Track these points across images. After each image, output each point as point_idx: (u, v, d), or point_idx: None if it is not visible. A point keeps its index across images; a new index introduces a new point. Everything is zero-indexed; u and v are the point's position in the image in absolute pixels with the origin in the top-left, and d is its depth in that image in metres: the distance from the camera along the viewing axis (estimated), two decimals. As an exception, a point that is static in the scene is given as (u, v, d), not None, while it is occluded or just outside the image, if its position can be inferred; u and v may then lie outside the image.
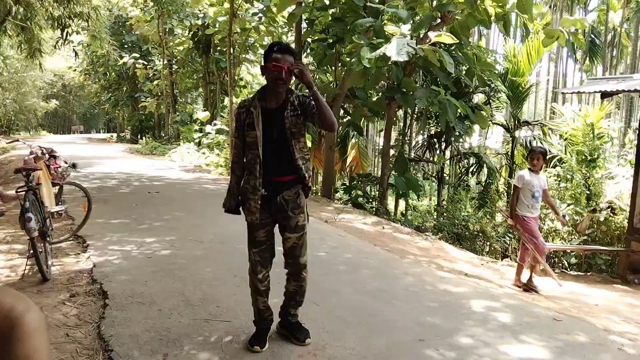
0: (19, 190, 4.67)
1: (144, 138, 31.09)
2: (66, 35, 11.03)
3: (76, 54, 17.24)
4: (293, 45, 14.83)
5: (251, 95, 3.14)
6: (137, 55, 28.49)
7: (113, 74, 32.04)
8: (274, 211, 3.09)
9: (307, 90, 2.92)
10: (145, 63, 28.59)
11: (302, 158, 3.06)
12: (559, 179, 10.62)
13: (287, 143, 2.99)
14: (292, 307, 3.31)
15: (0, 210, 7.52)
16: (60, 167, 5.80)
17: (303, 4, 10.72)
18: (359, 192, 11.56)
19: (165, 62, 26.89)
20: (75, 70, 34.68)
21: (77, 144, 28.78)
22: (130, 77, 31.44)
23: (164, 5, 17.71)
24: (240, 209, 3.21)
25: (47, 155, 5.67)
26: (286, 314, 3.33)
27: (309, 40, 13.03)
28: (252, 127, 2.98)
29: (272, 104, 3.03)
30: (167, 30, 24.04)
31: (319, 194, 12.92)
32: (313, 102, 2.95)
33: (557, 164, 11.89)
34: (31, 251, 4.40)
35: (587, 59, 24.52)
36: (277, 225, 3.19)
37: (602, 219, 9.16)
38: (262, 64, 3.04)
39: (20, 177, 4.85)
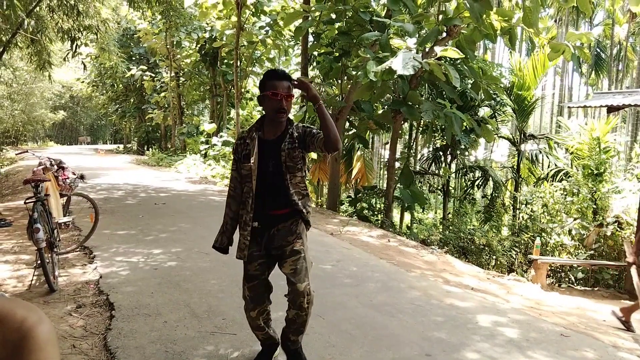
0: (27, 201, 4.71)
1: (150, 149, 31.27)
2: (75, 48, 11.16)
3: (85, 65, 17.35)
4: (299, 59, 14.94)
5: (250, 126, 3.00)
6: (145, 68, 28.79)
7: (120, 85, 32.33)
8: (266, 243, 2.89)
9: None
10: (153, 75, 28.86)
11: (298, 193, 2.88)
12: (565, 193, 10.58)
13: (281, 176, 2.82)
14: (292, 333, 3.05)
15: (8, 221, 7.58)
16: (68, 178, 5.85)
17: (309, 18, 10.81)
18: (365, 205, 11.56)
19: (173, 74, 27.13)
20: (83, 82, 35.01)
21: (84, 155, 28.95)
22: (137, 89, 31.72)
23: (172, 18, 17.87)
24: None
25: (55, 167, 5.72)
26: (286, 338, 3.10)
27: (315, 53, 13.12)
28: (248, 159, 2.84)
29: (270, 135, 2.89)
30: (174, 42, 24.29)
31: (324, 206, 12.93)
32: (314, 130, 2.83)
33: (563, 177, 11.87)
34: (39, 262, 4.42)
35: (593, 72, 24.56)
36: (274, 260, 2.97)
37: (609, 233, 9.12)
38: (259, 93, 2.88)
39: (29, 187, 4.89)
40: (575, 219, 9.90)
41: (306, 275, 2.87)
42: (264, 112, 2.92)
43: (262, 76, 2.87)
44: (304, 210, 2.89)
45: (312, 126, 2.89)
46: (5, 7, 8.09)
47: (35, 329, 1.32)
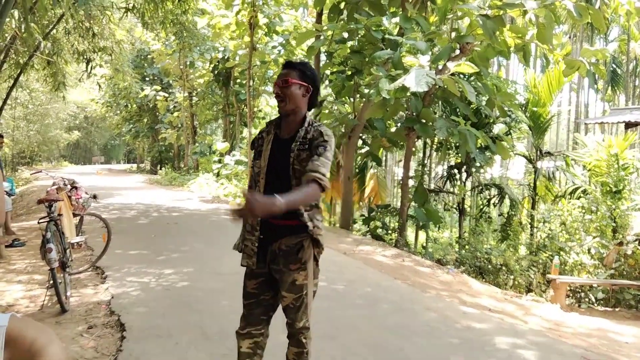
0: (40, 220, 4.72)
1: (163, 169, 31.51)
2: (90, 69, 11.32)
3: (99, 86, 17.64)
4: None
5: (271, 120, 2.77)
6: (158, 88, 29.16)
7: (134, 105, 32.75)
8: (269, 261, 2.56)
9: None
10: (166, 95, 29.21)
11: None
12: (584, 211, 10.39)
13: (288, 180, 2.51)
14: None
15: (22, 241, 7.61)
16: (81, 198, 5.86)
17: (322, 37, 10.87)
18: (378, 224, 11.44)
19: (186, 94, 27.45)
20: (97, 102, 35.54)
21: (97, 175, 29.23)
22: (151, 108, 32.10)
23: (186, 39, 18.16)
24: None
25: (69, 186, 5.74)
26: None
27: (328, 72, 13.17)
28: (260, 156, 2.63)
29: (285, 133, 2.62)
30: (188, 63, 24.62)
31: (337, 225, 12.84)
32: (319, 150, 2.48)
33: (581, 195, 11.67)
34: (51, 282, 4.41)
35: (609, 88, 24.36)
36: (276, 282, 2.63)
37: (629, 252, 8.90)
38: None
39: (43, 207, 4.90)
40: (594, 238, 9.70)
41: (305, 311, 2.56)
42: None
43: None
44: (310, 224, 2.50)
45: (325, 138, 2.52)
46: (23, 31, 8.24)
47: (46, 349, 1.29)
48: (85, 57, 11.08)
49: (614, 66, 23.03)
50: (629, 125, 7.97)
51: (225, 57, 21.71)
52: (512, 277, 9.98)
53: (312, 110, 2.95)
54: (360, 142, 12.77)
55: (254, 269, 2.56)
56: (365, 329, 4.33)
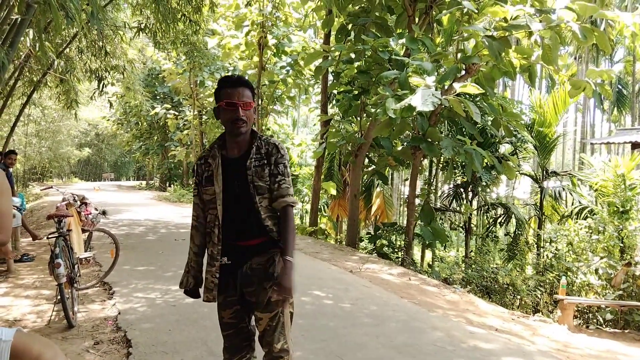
0: (50, 236, 4.78)
1: (172, 186, 31.69)
2: (102, 87, 11.52)
3: (111, 104, 17.89)
4: (319, 97, 15.11)
5: (211, 144, 2.58)
6: (169, 106, 29.52)
7: (145, 123, 33.11)
8: (240, 285, 2.41)
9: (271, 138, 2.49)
10: (176, 113, 29.55)
11: (271, 217, 2.42)
12: (591, 231, 10.34)
13: (250, 199, 2.38)
14: None
15: (31, 256, 7.68)
16: (90, 213, 5.93)
17: (329, 58, 11.02)
18: (384, 242, 11.44)
19: (196, 112, 27.75)
20: (108, 120, 35.98)
21: (107, 191, 29.44)
22: (161, 126, 32.43)
23: (196, 58, 18.43)
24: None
25: (78, 202, 5.82)
26: None
27: (335, 91, 13.31)
28: (211, 182, 2.43)
29: (234, 152, 2.46)
30: (198, 82, 24.94)
31: (343, 242, 12.83)
32: (280, 169, 2.42)
33: (588, 215, 11.62)
34: (58, 297, 4.45)
35: (615, 109, 24.39)
36: (251, 305, 2.47)
37: (638, 272, 8.83)
38: (215, 105, 2.48)
39: (52, 222, 4.97)
40: (601, 258, 9.63)
41: (282, 332, 2.40)
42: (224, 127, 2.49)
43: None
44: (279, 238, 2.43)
45: (281, 152, 2.45)
46: (37, 49, 8.42)
47: None
48: (97, 75, 11.30)
49: (620, 87, 23.10)
50: (635, 145, 7.98)
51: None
52: (519, 297, 9.92)
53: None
54: (366, 160, 12.83)
55: (222, 301, 2.45)
56: (373, 347, 4.32)
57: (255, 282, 2.38)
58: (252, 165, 2.40)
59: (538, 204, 13.16)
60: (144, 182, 43.89)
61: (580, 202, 12.76)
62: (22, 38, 7.23)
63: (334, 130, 12.70)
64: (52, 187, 7.67)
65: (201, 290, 2.55)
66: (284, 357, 2.39)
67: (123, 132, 36.73)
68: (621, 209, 10.23)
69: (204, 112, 28.17)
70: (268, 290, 2.35)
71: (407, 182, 14.04)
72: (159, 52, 19.59)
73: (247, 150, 2.45)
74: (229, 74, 21.89)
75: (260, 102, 19.57)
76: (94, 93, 12.56)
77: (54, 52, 9.66)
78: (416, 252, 13.11)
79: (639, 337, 7.91)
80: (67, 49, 10.83)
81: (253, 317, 2.50)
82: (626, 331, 8.35)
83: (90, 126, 41.43)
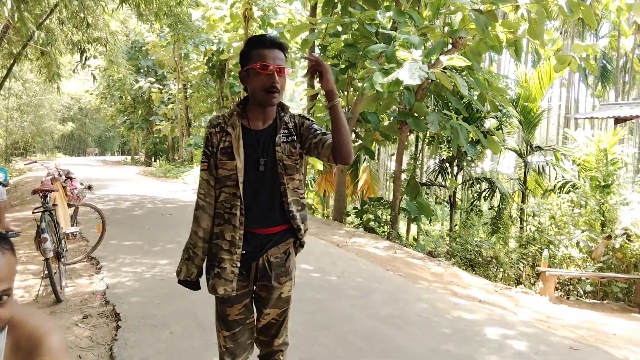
0: (35, 211, 4.74)
1: (157, 161, 31.45)
2: (84, 60, 11.29)
3: (94, 77, 17.56)
4: (306, 71, 15.00)
5: (229, 110, 2.23)
6: (153, 80, 29.07)
7: (129, 97, 32.63)
8: (253, 278, 2.17)
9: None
10: (161, 87, 29.13)
11: (297, 202, 2.16)
12: (573, 205, 10.53)
13: (277, 180, 2.10)
14: None
15: (15, 231, 7.61)
16: (76, 188, 5.88)
17: (316, 31, 10.90)
18: (371, 216, 11.53)
19: (180, 86, 27.37)
20: (92, 93, 35.40)
21: (91, 166, 29.16)
22: (145, 100, 31.99)
23: (180, 31, 18.10)
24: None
25: (63, 177, 5.76)
26: None
27: (322, 65, 13.18)
28: (230, 155, 2.08)
29: (257, 124, 2.14)
30: (182, 55, 24.55)
31: (330, 217, 12.92)
32: (316, 128, 2.15)
33: (571, 189, 11.80)
34: (46, 272, 4.44)
35: (599, 84, 24.56)
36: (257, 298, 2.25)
37: (617, 245, 9.04)
38: (241, 68, 2.13)
39: (37, 197, 4.93)
40: (583, 231, 9.83)
41: (286, 326, 2.26)
42: (247, 92, 2.15)
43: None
44: (301, 227, 2.17)
45: (311, 119, 2.21)
46: (16, 20, 8.20)
47: (47, 337, 1.34)
48: (79, 47, 11.05)
49: (604, 62, 23.24)
50: (618, 120, 8.08)
51: (220, 50, 21.64)
52: (502, 269, 10.11)
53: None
54: (353, 135, 12.83)
55: (235, 294, 2.13)
56: (359, 319, 4.40)
57: (273, 277, 2.14)
58: (282, 142, 2.11)
59: (522, 179, 13.34)
60: (129, 157, 43.49)
61: (563, 177, 12.94)
62: (-1, 8, 7.04)
63: (320, 104, 12.64)
64: (36, 162, 7.57)
65: (202, 281, 2.26)
66: (283, 351, 2.27)
67: (107, 106, 36.21)
68: (603, 184, 10.41)
69: (188, 86, 27.80)
70: (281, 286, 2.16)
71: (394, 157, 14.09)
72: (142, 24, 19.20)
73: (273, 122, 2.15)
74: (214, 46, 21.70)
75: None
76: (77, 66, 12.31)
77: (33, 23, 9.41)
78: (402, 226, 13.24)
79: (617, 307, 8.14)
80: (48, 20, 10.56)
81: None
82: (605, 302, 8.58)
83: (73, 100, 40.79)
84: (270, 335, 2.21)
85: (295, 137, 2.14)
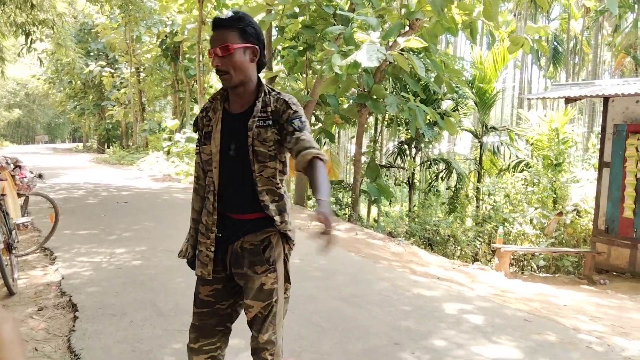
0: (-18, 201, 4.53)
1: (111, 147, 30.59)
2: (30, 43, 10.79)
3: (41, 61, 16.82)
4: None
5: (215, 93, 2.20)
6: (104, 63, 28.13)
7: (79, 82, 31.52)
8: (230, 263, 2.11)
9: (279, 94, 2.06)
10: (112, 71, 28.23)
11: (270, 192, 2.05)
12: (526, 183, 10.87)
13: (248, 166, 2.02)
14: None
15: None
16: (26, 177, 5.64)
17: (273, 12, 10.74)
18: (332, 199, 11.60)
19: (133, 69, 26.59)
20: (39, 78, 34.00)
21: (41, 154, 28.09)
22: (96, 85, 30.98)
23: (131, 12, 17.53)
24: None
25: (11, 165, 5.51)
26: None
27: (280, 47, 13.05)
28: (209, 139, 2.07)
29: (236, 107, 2.08)
30: (134, 37, 23.80)
31: (292, 201, 12.91)
32: (295, 124, 1.99)
33: (524, 168, 12.18)
34: (-4, 264, 4.27)
35: (551, 65, 25.30)
36: (239, 288, 2.17)
37: (568, 221, 9.41)
38: None
39: (-17, 188, 4.71)
40: (536, 209, 10.18)
41: (273, 322, 2.08)
42: None
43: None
44: (277, 218, 2.05)
45: (294, 108, 2.03)
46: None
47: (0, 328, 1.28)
48: (24, 30, 10.55)
49: (556, 44, 23.92)
50: (568, 100, 8.33)
51: (174, 32, 21.10)
52: (459, 247, 10.39)
53: (262, 72, 2.56)
54: (313, 118, 12.80)
55: (210, 276, 2.11)
56: (322, 299, 4.44)
57: (245, 264, 2.06)
58: (254, 126, 2.00)
59: (477, 159, 13.66)
60: (80, 144, 42.15)
61: (517, 156, 13.34)
62: None
63: (279, 87, 12.53)
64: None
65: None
66: (268, 350, 2.07)
67: (55, 91, 34.88)
68: (555, 162, 10.79)
69: (141, 69, 27.04)
70: (261, 276, 2.04)
71: (354, 140, 14.16)
72: (91, 5, 18.43)
73: (250, 106, 2.06)
74: (167, 28, 21.14)
75: (201, 58, 18.92)
76: (22, 49, 11.77)
77: (-28, 3, 8.93)
78: (362, 208, 13.39)
79: (568, 280, 8.50)
80: (-12, 1, 10.02)
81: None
82: (557, 275, 8.94)
83: (19, 85, 39.11)
84: (256, 330, 2.09)
85: (271, 122, 2.02)
